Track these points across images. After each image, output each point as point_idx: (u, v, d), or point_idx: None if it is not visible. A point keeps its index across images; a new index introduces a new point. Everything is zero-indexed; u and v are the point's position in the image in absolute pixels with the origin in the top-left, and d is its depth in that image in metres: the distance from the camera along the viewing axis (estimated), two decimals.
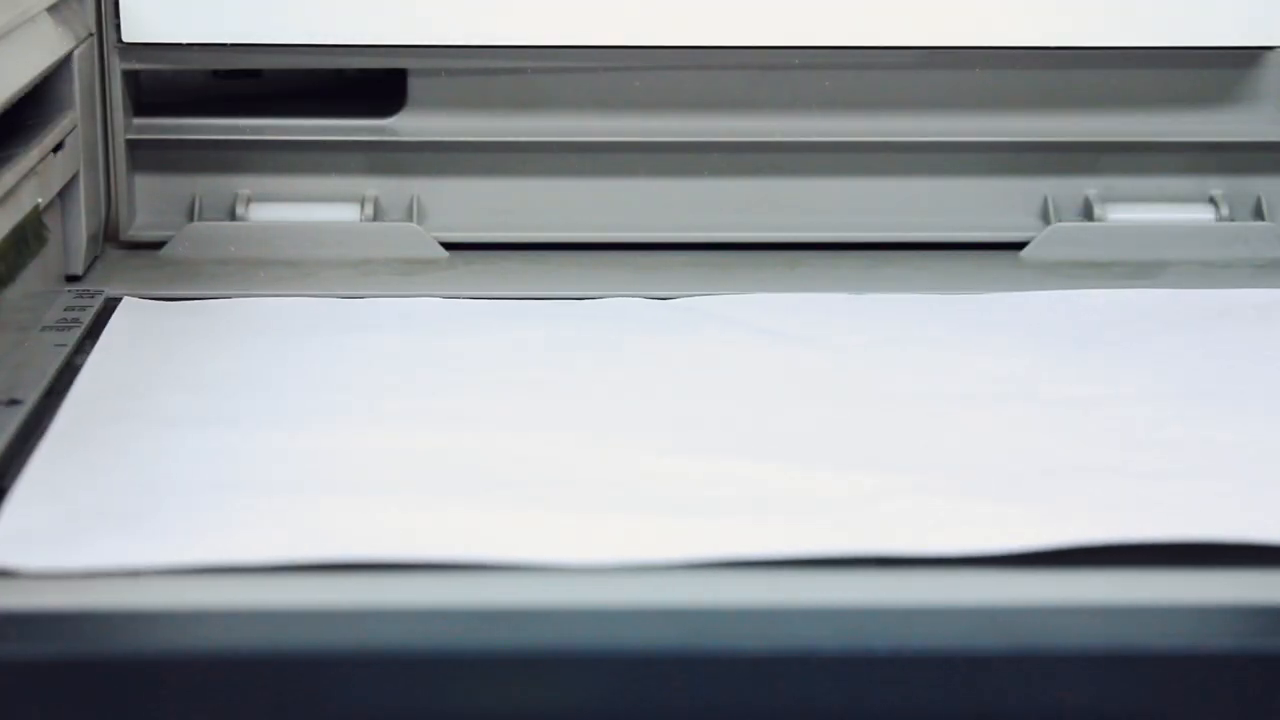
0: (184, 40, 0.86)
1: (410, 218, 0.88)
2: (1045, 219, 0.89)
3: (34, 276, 0.76)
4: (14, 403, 0.68)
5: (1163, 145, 0.89)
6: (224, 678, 0.52)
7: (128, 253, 0.87)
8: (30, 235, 0.75)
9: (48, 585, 0.56)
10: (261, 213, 0.88)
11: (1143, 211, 0.89)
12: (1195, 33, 0.87)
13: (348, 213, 0.88)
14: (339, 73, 0.91)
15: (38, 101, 0.80)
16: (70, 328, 0.76)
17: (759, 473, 0.64)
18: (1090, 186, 0.90)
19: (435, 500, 0.62)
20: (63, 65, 0.81)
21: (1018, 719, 0.53)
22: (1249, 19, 0.87)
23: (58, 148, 0.79)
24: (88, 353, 0.74)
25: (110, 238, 0.87)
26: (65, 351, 0.73)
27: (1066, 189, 0.90)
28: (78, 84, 0.82)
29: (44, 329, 0.76)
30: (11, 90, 0.74)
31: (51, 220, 0.79)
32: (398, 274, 0.85)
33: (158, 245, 0.87)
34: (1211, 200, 0.89)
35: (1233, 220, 0.89)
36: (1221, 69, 0.89)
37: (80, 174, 0.82)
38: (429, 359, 0.74)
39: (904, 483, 0.63)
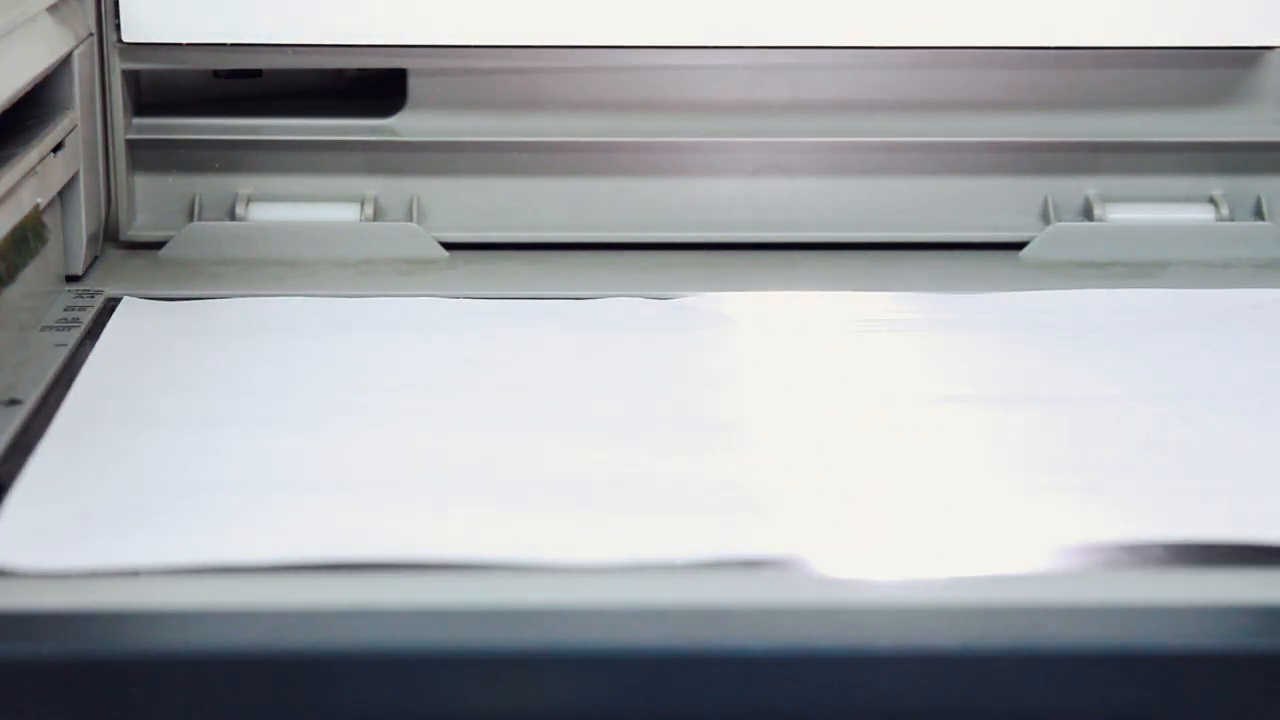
0: (184, 40, 0.86)
1: (410, 218, 0.88)
2: (1045, 219, 0.89)
3: (34, 276, 0.76)
4: (14, 403, 0.68)
5: (1163, 145, 0.89)
6: (224, 678, 0.52)
7: (128, 253, 0.87)
8: (30, 235, 0.75)
9: (48, 585, 0.56)
10: (261, 213, 0.88)
11: (1143, 211, 0.89)
12: (1195, 33, 0.87)
13: (348, 213, 0.88)
14: (339, 73, 0.91)
15: (38, 101, 0.80)
16: (70, 328, 0.76)
17: (759, 473, 0.64)
18: (1090, 186, 0.90)
19: (435, 500, 0.62)
20: (63, 65, 0.81)
21: (1018, 719, 0.53)
22: (1249, 19, 0.87)
23: (58, 148, 0.79)
24: (88, 353, 0.74)
25: (110, 238, 0.87)
26: (65, 351, 0.73)
27: (1066, 189, 0.90)
28: (78, 84, 0.82)
29: (44, 329, 0.76)
30: (11, 90, 0.74)
31: (51, 220, 0.79)
32: (398, 274, 0.85)
33: (158, 245, 0.87)
34: (1211, 200, 0.89)
35: (1233, 220, 0.89)
36: (1221, 69, 0.89)
37: (80, 174, 0.82)
38: (429, 359, 0.74)
39: (904, 483, 0.63)
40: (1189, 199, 0.89)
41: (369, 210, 0.88)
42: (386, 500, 0.62)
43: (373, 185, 0.89)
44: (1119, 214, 0.89)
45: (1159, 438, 0.67)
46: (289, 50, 0.87)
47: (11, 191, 0.73)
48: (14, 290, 0.73)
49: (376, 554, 0.57)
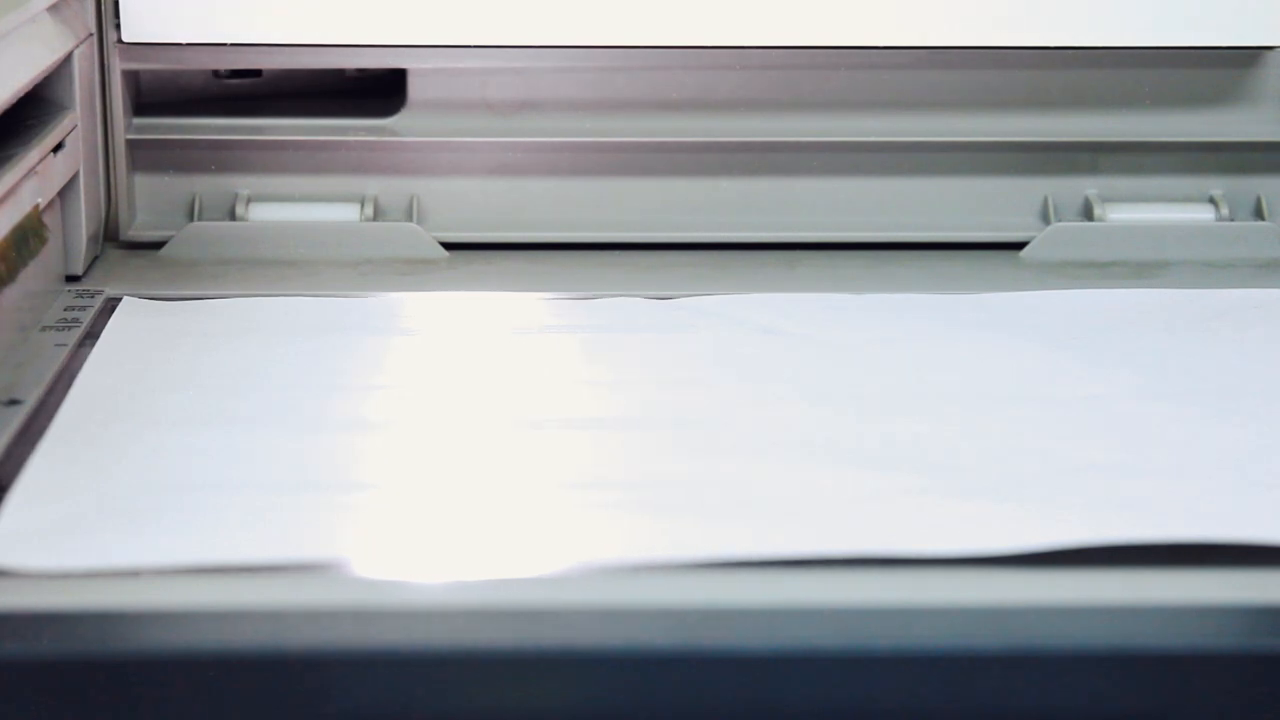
0: (184, 40, 0.86)
1: (410, 218, 0.88)
2: (1045, 219, 0.89)
3: (34, 276, 0.76)
4: (14, 403, 0.68)
5: (1163, 145, 0.89)
6: (224, 678, 0.52)
7: (128, 253, 0.87)
8: (30, 235, 0.75)
9: (48, 585, 0.56)
10: (261, 213, 0.88)
11: (1143, 211, 0.89)
12: (1195, 33, 0.87)
13: (348, 213, 0.88)
14: (339, 73, 0.91)
15: (38, 101, 0.80)
16: (70, 328, 0.76)
17: (759, 473, 0.64)
18: (1090, 186, 0.90)
19: (435, 500, 0.62)
20: (63, 65, 0.81)
21: (1018, 719, 0.53)
22: (1249, 19, 0.87)
23: (58, 148, 0.79)
24: (88, 353, 0.74)
25: (110, 238, 0.87)
26: (65, 351, 0.73)
27: (1066, 189, 0.90)
28: (78, 84, 0.82)
29: (44, 329, 0.76)
30: (11, 90, 0.74)
31: (51, 220, 0.79)
32: (398, 274, 0.85)
33: (158, 245, 0.87)
34: (1211, 200, 0.89)
35: (1233, 220, 0.89)
36: (1221, 69, 0.89)
37: (80, 174, 0.82)
38: (428, 359, 0.74)
39: (904, 482, 0.63)
40: (1189, 199, 0.89)
41: (369, 210, 0.88)
42: (386, 500, 0.62)
43: (373, 185, 0.89)
44: (1119, 214, 0.89)
45: (1159, 437, 0.67)
46: (289, 50, 0.87)
47: (11, 191, 0.73)
48: (14, 290, 0.73)
49: (376, 554, 0.57)
